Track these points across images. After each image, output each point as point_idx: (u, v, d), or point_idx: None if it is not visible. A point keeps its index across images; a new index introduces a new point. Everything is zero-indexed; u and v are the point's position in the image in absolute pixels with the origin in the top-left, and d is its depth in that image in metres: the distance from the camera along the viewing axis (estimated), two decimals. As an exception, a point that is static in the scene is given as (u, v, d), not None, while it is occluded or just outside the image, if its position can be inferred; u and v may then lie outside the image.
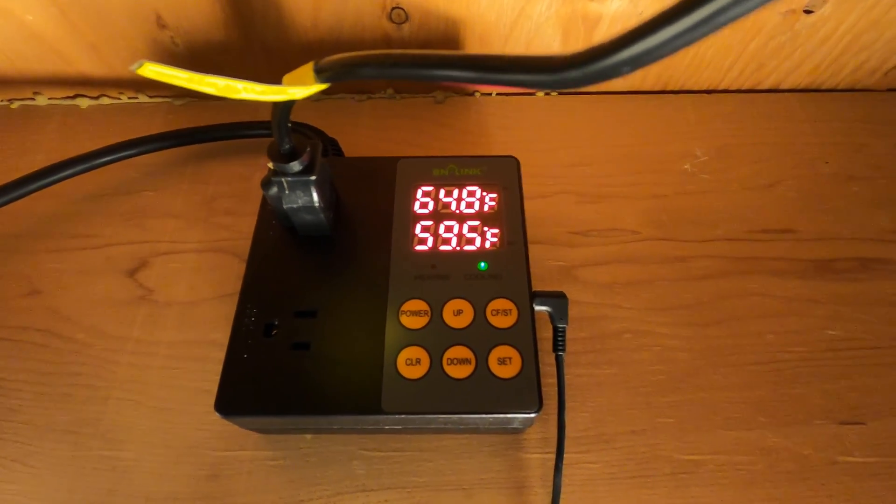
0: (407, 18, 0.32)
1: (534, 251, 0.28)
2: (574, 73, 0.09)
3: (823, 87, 0.37)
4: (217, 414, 0.22)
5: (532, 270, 0.25)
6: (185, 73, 0.13)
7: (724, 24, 0.07)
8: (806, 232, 0.31)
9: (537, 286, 0.26)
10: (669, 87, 0.37)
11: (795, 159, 0.34)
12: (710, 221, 0.32)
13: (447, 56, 0.11)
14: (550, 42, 0.33)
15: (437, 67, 0.11)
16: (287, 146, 0.21)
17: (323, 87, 0.15)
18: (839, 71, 0.36)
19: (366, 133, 0.35)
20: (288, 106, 0.17)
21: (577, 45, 0.33)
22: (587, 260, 0.30)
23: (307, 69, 0.15)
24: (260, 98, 0.15)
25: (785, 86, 0.37)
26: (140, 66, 0.12)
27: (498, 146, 0.35)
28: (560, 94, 0.37)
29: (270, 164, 0.21)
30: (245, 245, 0.31)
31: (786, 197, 0.33)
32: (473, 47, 0.33)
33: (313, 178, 0.22)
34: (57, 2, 0.30)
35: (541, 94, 0.37)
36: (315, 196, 0.23)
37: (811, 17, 0.32)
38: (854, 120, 0.36)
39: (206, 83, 0.14)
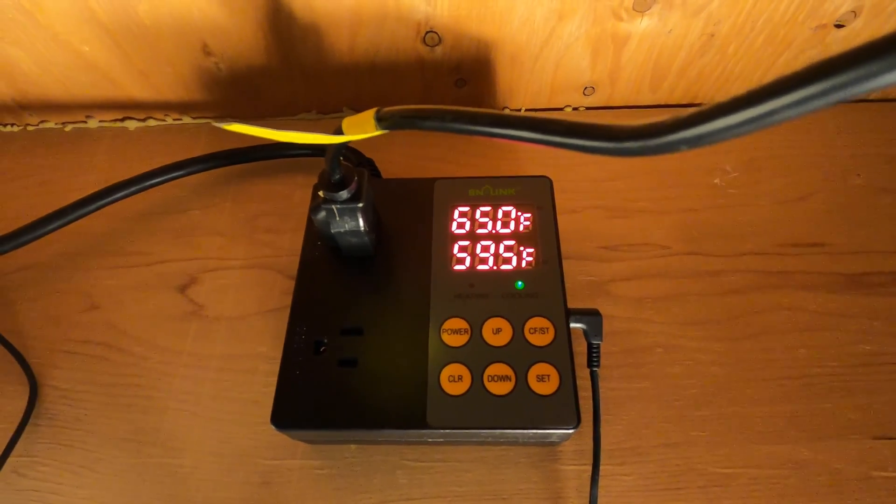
0: (440, 41, 0.33)
1: (565, 266, 0.29)
2: (632, 145, 0.10)
3: (854, 99, 0.37)
4: (270, 426, 0.23)
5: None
6: (262, 129, 0.14)
7: (777, 122, 0.08)
8: (837, 246, 0.31)
9: (569, 301, 0.27)
10: (698, 101, 0.38)
11: (826, 172, 0.34)
12: (741, 236, 0.32)
13: (508, 116, 0.12)
14: (580, 61, 0.34)
15: (498, 126, 0.12)
16: (337, 176, 0.22)
17: (380, 133, 0.16)
18: (871, 82, 0.36)
19: (400, 150, 0.37)
20: (343, 144, 0.18)
21: (606, 64, 0.34)
22: (618, 275, 0.31)
23: (368, 116, 0.16)
24: (322, 142, 0.17)
25: (815, 97, 0.37)
26: (228, 123, 0.14)
27: (528, 162, 0.36)
28: (588, 108, 0.38)
29: (321, 193, 0.23)
30: (286, 261, 0.33)
31: (817, 210, 0.33)
32: (504, 68, 0.34)
33: (360, 205, 0.23)
34: (112, 33, 0.32)
35: (569, 108, 0.38)
36: (361, 221, 0.24)
37: (842, 31, 0.32)
38: (886, 131, 0.35)
39: (279, 135, 0.15)
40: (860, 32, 0.32)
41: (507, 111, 0.39)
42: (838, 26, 0.32)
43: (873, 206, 0.33)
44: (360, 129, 0.16)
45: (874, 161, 0.34)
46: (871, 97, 0.37)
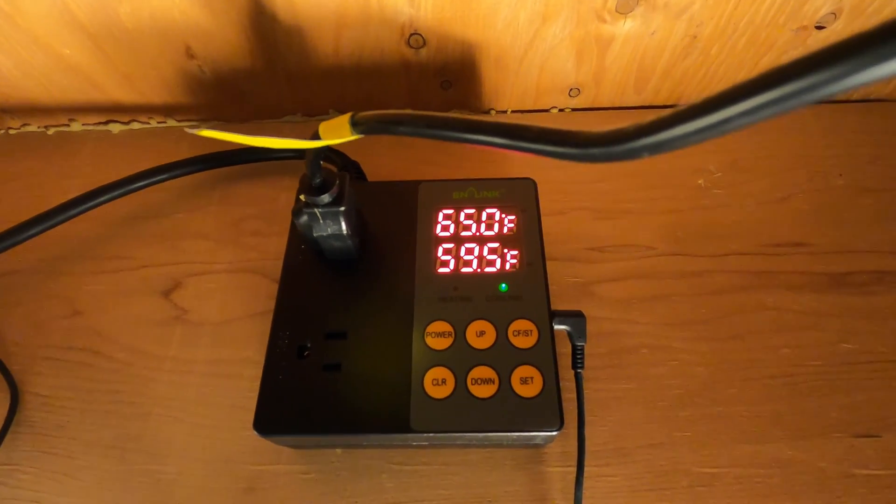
0: (424, 43, 0.33)
1: (551, 267, 0.29)
2: (596, 151, 0.10)
3: (836, 99, 0.37)
4: (254, 431, 0.23)
5: (550, 287, 0.26)
6: (236, 134, 0.14)
7: (733, 129, 0.08)
8: (820, 245, 0.32)
9: (555, 302, 0.27)
10: (683, 102, 0.38)
11: (809, 172, 0.34)
12: (725, 236, 0.32)
13: (481, 122, 0.12)
14: (564, 63, 0.34)
15: (470, 132, 0.12)
16: (318, 180, 0.22)
17: (356, 137, 0.16)
18: (853, 82, 0.36)
19: (385, 152, 0.36)
20: (324, 148, 0.18)
21: (590, 65, 0.34)
22: (604, 276, 0.31)
23: (343, 121, 0.16)
24: (298, 147, 0.17)
25: (798, 98, 0.37)
26: (200, 130, 0.14)
27: (514, 163, 0.36)
28: (574, 110, 0.38)
29: (302, 196, 0.23)
30: (272, 265, 0.33)
31: (800, 210, 0.33)
32: (490, 70, 0.34)
33: (342, 208, 0.23)
34: (93, 36, 0.32)
35: (555, 110, 0.38)
36: (343, 224, 0.24)
37: (823, 33, 0.32)
38: (868, 131, 0.36)
39: (254, 140, 0.15)
40: (840, 34, 0.32)
41: (493, 113, 0.39)
42: (819, 28, 0.32)
43: (855, 206, 0.33)
44: (336, 133, 0.16)
45: (856, 161, 0.35)
46: (852, 98, 0.37)
